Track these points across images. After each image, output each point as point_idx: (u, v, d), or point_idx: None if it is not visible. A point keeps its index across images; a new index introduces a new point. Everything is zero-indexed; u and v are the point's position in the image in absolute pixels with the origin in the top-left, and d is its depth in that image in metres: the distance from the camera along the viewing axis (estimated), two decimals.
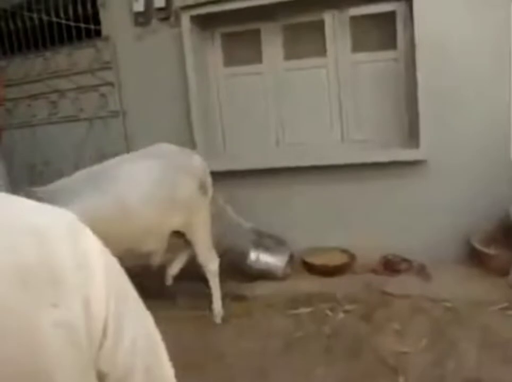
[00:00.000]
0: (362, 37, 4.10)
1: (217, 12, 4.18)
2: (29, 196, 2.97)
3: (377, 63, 4.07)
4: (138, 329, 0.68)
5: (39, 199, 2.96)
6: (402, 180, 3.99)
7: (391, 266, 3.91)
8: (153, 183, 3.04)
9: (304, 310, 3.54)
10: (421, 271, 3.81)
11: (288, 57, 4.35)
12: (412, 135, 3.97)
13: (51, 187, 2.90)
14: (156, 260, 3.31)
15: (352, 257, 4.00)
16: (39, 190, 2.84)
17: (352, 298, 3.56)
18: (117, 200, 2.87)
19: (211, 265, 3.46)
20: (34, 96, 5.28)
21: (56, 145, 5.25)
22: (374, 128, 4.16)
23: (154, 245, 3.20)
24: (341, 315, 3.41)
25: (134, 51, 4.64)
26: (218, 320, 3.48)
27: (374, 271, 3.90)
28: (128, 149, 4.80)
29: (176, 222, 3.21)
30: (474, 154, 3.77)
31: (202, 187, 3.32)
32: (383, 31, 4.04)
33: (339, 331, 3.23)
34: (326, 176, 4.17)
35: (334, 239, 4.09)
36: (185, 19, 4.25)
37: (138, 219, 2.97)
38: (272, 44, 4.35)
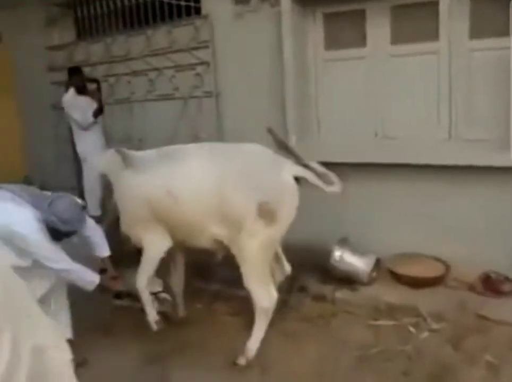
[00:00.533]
0: (482, 21, 3.57)
1: None
2: (119, 152, 3.08)
3: (496, 52, 3.53)
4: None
5: (123, 154, 3.04)
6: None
7: (492, 285, 3.42)
8: (201, 183, 2.87)
9: (385, 323, 3.22)
10: None
11: (395, 40, 3.93)
12: None
13: (138, 153, 3.28)
14: (217, 257, 3.17)
15: (446, 268, 3.57)
16: (127, 151, 3.23)
17: (441, 316, 3.17)
18: (168, 187, 2.93)
19: (260, 301, 2.89)
20: (134, 73, 5.37)
21: (151, 122, 5.32)
22: (487, 126, 3.63)
23: (204, 243, 3.06)
24: (425, 334, 3.05)
25: (232, 30, 4.50)
26: (243, 361, 2.90)
27: (471, 288, 3.45)
28: (219, 131, 4.73)
29: (217, 232, 2.93)
30: None
31: (266, 214, 2.78)
32: (505, 15, 3.48)
33: (421, 352, 2.89)
34: (427, 176, 3.74)
35: (427, 246, 3.67)
36: None
37: (182, 212, 2.92)
38: (378, 26, 3.95)
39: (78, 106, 5.31)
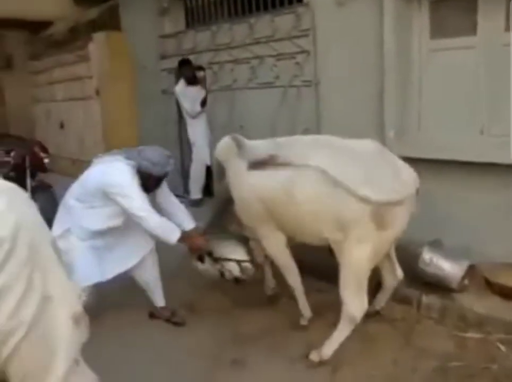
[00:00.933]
0: None
1: None
2: (234, 139, 3.21)
3: None
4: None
5: (238, 143, 3.18)
6: None
7: None
8: (319, 184, 2.77)
9: (472, 335, 3.01)
10: None
11: (508, 28, 3.56)
12: None
13: (252, 142, 3.29)
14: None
15: None
16: (242, 139, 3.30)
17: None
18: (285, 185, 2.88)
19: (350, 308, 2.78)
20: (237, 61, 5.46)
21: (252, 110, 5.40)
22: None
23: (314, 242, 3.01)
24: None
25: (334, 18, 4.39)
26: (316, 358, 2.86)
27: None
28: (318, 121, 4.68)
29: (324, 233, 2.83)
30: None
31: (378, 221, 2.64)
32: None
33: (509, 373, 2.65)
34: None
35: None
36: None
37: (295, 209, 2.88)
38: (491, 13, 3.60)
39: (188, 96, 5.72)
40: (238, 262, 3.38)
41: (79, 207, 3.15)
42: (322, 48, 4.57)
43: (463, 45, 3.81)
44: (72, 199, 3.20)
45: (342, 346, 2.87)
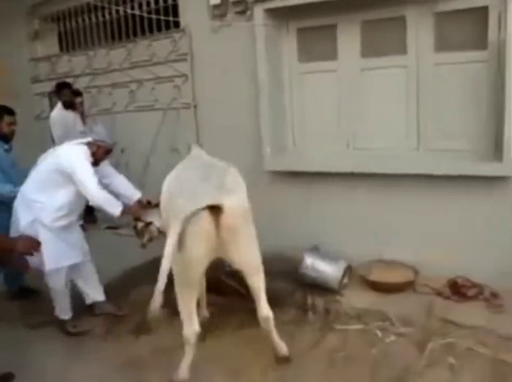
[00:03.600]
0: (447, 36, 3.72)
1: (292, 6, 4.01)
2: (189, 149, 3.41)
3: (462, 65, 3.67)
4: None
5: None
6: (479, 196, 3.58)
7: (458, 289, 3.53)
8: None
9: (353, 327, 3.31)
10: (493, 300, 3.39)
11: (365, 54, 4.07)
12: (496, 148, 3.54)
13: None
14: None
15: (415, 274, 3.67)
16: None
17: (407, 320, 3.26)
18: None
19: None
20: (115, 85, 5.47)
21: (131, 133, 5.41)
22: (454, 137, 3.76)
23: None
24: (392, 338, 3.14)
25: (210, 43, 4.62)
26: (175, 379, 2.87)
27: (438, 293, 3.55)
28: (198, 141, 4.83)
29: None
30: None
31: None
32: (471, 29, 3.63)
33: (387, 355, 2.98)
34: (396, 186, 3.86)
35: (397, 253, 3.78)
36: (259, 12, 4.13)
37: None
38: (349, 40, 4.09)
39: (64, 122, 5.46)
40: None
41: (39, 197, 3.46)
42: (199, 71, 4.78)
43: (327, 69, 4.25)
44: (30, 194, 3.49)
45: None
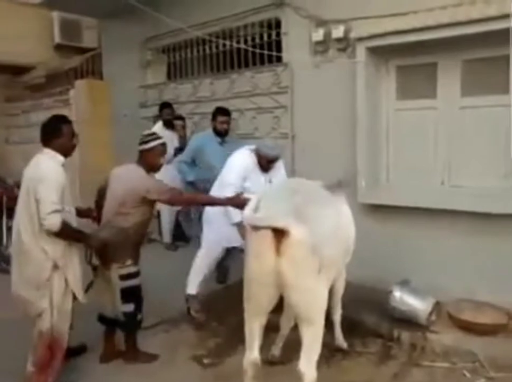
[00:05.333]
0: None
1: (393, 44, 4.14)
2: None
3: None
4: None
5: None
6: None
7: None
8: None
9: (440, 365, 3.30)
10: None
11: (465, 93, 4.10)
12: None
13: None
14: None
15: (509, 317, 3.59)
16: None
17: (499, 364, 3.21)
18: None
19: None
20: None
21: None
22: None
23: None
24: (481, 380, 3.10)
25: (310, 77, 4.85)
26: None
27: None
28: (292, 172, 5.02)
29: None
30: None
31: None
32: None
33: None
34: (491, 224, 3.81)
35: (490, 295, 3.71)
36: (360, 50, 4.31)
37: None
38: (449, 79, 4.14)
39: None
40: None
41: None
42: (298, 104, 5.02)
43: (425, 106, 4.31)
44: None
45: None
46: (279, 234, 2.40)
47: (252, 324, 2.67)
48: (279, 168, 4.25)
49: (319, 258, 2.46)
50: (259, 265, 2.50)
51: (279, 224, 2.40)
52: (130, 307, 3.40)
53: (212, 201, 3.85)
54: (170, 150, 5.69)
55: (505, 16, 3.51)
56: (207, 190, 4.40)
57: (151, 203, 3.45)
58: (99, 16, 7.72)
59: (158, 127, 5.96)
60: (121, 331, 3.56)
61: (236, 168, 4.07)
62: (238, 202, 3.44)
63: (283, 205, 2.60)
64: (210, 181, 4.47)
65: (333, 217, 2.81)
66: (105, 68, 7.74)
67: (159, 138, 3.50)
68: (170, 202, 3.75)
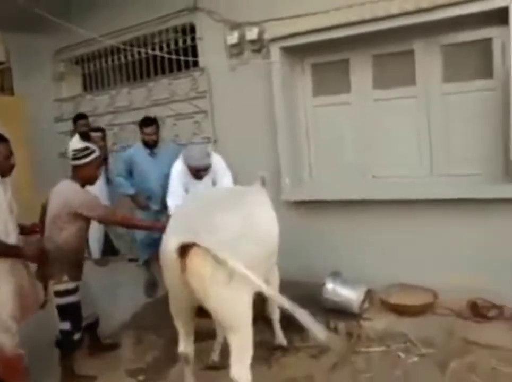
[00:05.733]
0: (454, 66, 3.91)
1: (306, 43, 4.25)
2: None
3: (470, 94, 3.85)
4: None
5: None
6: (495, 218, 3.69)
7: (478, 311, 3.60)
8: None
9: (376, 349, 3.39)
10: None
11: (377, 86, 4.27)
12: (506, 171, 3.68)
13: None
14: None
15: (434, 296, 3.75)
16: None
17: (429, 341, 3.35)
18: None
19: None
20: (137, 122, 5.67)
21: None
22: (465, 162, 3.92)
23: None
24: (414, 359, 3.22)
25: (228, 81, 4.86)
26: None
27: (458, 315, 3.62)
28: None
29: None
30: None
31: None
32: (477, 59, 3.82)
33: (410, 376, 3.06)
34: (413, 211, 3.99)
35: (417, 277, 3.86)
36: (274, 51, 4.37)
37: None
38: (361, 74, 4.30)
39: None
40: None
41: None
42: (218, 107, 5.01)
43: (341, 101, 4.45)
44: None
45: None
46: (182, 250, 2.44)
47: (177, 322, 2.87)
48: (219, 170, 4.22)
49: (228, 266, 2.40)
50: (171, 281, 2.65)
51: (178, 243, 2.44)
52: (66, 325, 3.32)
53: (140, 225, 3.95)
54: None
55: (407, 13, 3.71)
56: (147, 204, 4.67)
57: (86, 219, 3.39)
58: (3, 28, 7.31)
59: (75, 140, 5.71)
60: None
61: (174, 176, 4.16)
62: (160, 227, 3.29)
63: (188, 220, 2.66)
64: (150, 193, 4.53)
65: (243, 220, 2.73)
66: (16, 83, 7.33)
67: (94, 151, 3.48)
68: (101, 220, 3.66)
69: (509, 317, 3.51)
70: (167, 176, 4.34)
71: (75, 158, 3.39)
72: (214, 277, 2.43)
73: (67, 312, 3.31)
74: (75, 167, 3.39)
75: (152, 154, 4.81)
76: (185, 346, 2.91)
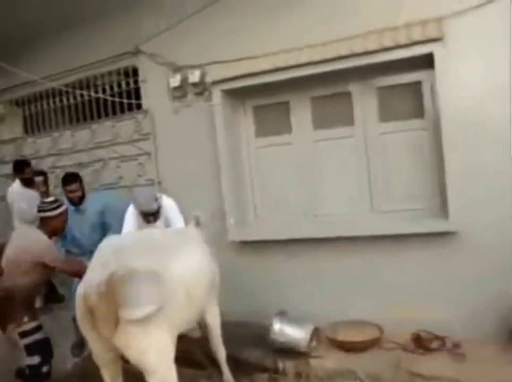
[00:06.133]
0: (389, 107, 4.11)
1: (247, 86, 4.35)
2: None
3: (404, 133, 4.05)
4: None
5: None
6: (433, 252, 3.84)
7: (422, 343, 3.69)
8: None
9: None
10: (455, 350, 3.56)
11: (316, 127, 4.41)
12: (442, 205, 3.85)
13: None
14: None
15: (380, 331, 3.81)
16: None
17: (377, 377, 3.39)
18: None
19: None
20: (80, 165, 5.62)
21: None
22: (403, 198, 4.07)
23: None
24: None
25: (171, 123, 4.90)
26: None
27: (403, 348, 3.69)
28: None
29: None
30: (508, 225, 3.58)
31: None
32: (410, 100, 4.04)
33: None
34: (355, 247, 4.09)
35: (362, 312, 3.93)
36: (216, 93, 4.46)
37: None
38: (301, 115, 4.44)
39: (24, 198, 5.40)
40: None
41: None
42: (162, 149, 5.02)
43: (282, 142, 4.56)
44: None
45: None
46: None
47: (102, 372, 2.86)
48: (169, 214, 4.11)
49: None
50: (83, 327, 2.72)
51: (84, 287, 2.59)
52: (35, 359, 3.48)
53: None
54: (33, 209, 5.33)
55: (341, 58, 3.89)
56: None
57: (48, 267, 3.56)
58: None
59: (16, 186, 5.55)
60: None
61: (126, 219, 4.08)
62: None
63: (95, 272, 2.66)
64: (80, 246, 4.47)
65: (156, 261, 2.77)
66: None
67: (62, 205, 3.76)
68: (61, 271, 3.75)
69: (451, 348, 3.60)
70: (94, 227, 4.47)
71: (44, 210, 3.64)
72: (109, 322, 2.46)
73: (35, 348, 3.47)
74: (43, 219, 3.63)
75: (78, 210, 4.54)
76: None
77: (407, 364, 3.47)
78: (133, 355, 2.54)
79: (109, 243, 3.00)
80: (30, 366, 3.49)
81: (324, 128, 4.37)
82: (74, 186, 4.54)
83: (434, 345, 3.66)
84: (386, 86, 4.12)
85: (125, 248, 2.86)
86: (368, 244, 4.01)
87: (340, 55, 3.90)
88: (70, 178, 4.58)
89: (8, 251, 3.51)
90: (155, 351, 2.54)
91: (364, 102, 4.19)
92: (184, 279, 2.88)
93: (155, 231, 3.55)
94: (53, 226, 3.65)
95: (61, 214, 3.70)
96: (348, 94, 4.24)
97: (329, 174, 4.34)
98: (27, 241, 3.55)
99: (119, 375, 2.91)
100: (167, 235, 3.33)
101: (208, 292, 3.25)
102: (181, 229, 3.63)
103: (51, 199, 3.82)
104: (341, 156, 4.29)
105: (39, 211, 3.66)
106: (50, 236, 3.62)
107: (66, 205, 3.85)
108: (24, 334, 3.43)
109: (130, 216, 4.07)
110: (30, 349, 3.44)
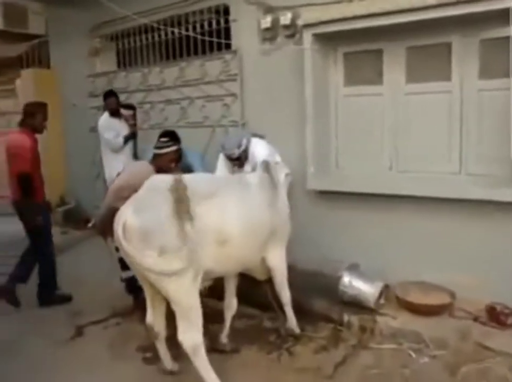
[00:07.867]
0: (491, 63, 3.77)
1: (340, 31, 4.16)
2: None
3: (506, 91, 3.71)
4: None
5: None
6: None
7: (497, 316, 3.52)
8: None
9: (387, 346, 3.38)
10: None
11: (410, 79, 4.16)
12: None
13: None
14: None
15: (452, 297, 3.70)
16: None
17: (442, 343, 3.30)
18: None
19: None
20: (168, 101, 5.74)
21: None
22: (496, 162, 3.79)
23: None
24: (425, 359, 3.19)
25: (259, 65, 4.83)
26: None
27: (474, 318, 3.56)
28: None
29: None
30: None
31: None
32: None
33: (419, 376, 3.03)
34: (437, 209, 3.91)
35: (436, 276, 3.81)
36: (307, 37, 4.30)
37: None
38: (394, 65, 4.19)
39: (111, 128, 5.58)
40: None
41: None
42: (248, 91, 4.99)
43: (372, 93, 4.36)
44: None
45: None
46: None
47: (145, 291, 3.03)
48: (255, 147, 4.03)
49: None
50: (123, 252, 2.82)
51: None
52: (129, 273, 3.71)
53: None
54: (120, 139, 5.58)
55: (445, 5, 3.58)
56: None
57: None
58: (46, 1, 7.42)
59: (105, 117, 5.79)
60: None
61: (218, 164, 4.17)
62: None
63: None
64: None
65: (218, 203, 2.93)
66: (53, 56, 7.49)
67: (171, 146, 3.83)
68: None
69: None
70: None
71: (155, 147, 3.83)
72: (139, 250, 2.63)
73: None
74: (154, 155, 3.79)
75: None
76: (149, 317, 3.08)
77: (476, 335, 3.34)
78: (156, 284, 2.77)
79: None
80: (126, 280, 4.03)
81: (418, 81, 4.11)
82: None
83: (510, 320, 3.49)
84: (490, 38, 3.75)
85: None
86: (453, 208, 3.81)
87: (443, 2, 3.58)
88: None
89: (120, 178, 3.74)
90: (176, 284, 2.71)
91: (465, 56, 3.86)
92: (217, 227, 2.90)
93: (220, 176, 3.72)
94: (158, 163, 3.74)
95: (166, 153, 3.77)
96: (447, 46, 3.92)
97: (418, 130, 4.11)
98: (135, 169, 3.81)
99: (159, 307, 3.06)
100: (226, 182, 3.33)
101: (267, 239, 3.26)
102: (245, 177, 3.54)
103: (165, 139, 3.96)
104: (433, 112, 4.03)
105: (153, 148, 3.86)
106: (157, 171, 3.60)
107: (177, 147, 3.88)
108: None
109: (221, 161, 4.16)
110: (124, 263, 3.53)
